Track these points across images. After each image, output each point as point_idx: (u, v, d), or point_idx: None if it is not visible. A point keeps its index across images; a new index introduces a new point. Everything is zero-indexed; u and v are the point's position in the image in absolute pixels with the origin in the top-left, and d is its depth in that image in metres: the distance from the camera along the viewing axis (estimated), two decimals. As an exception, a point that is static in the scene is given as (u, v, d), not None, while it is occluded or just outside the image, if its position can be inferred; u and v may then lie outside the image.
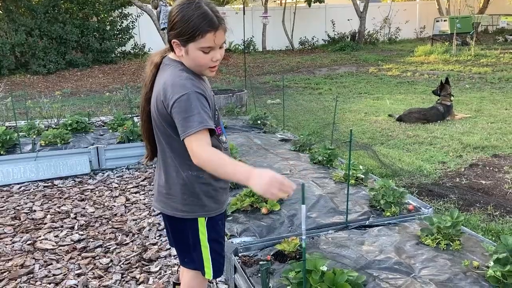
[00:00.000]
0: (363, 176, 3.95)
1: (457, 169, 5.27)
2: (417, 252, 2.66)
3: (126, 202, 4.50)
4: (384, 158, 5.52)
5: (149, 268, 3.23)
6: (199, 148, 1.69)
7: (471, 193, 4.48)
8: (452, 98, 7.85)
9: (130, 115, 6.20)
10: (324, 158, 4.50)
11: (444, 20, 19.56)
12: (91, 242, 3.65)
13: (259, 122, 6.60)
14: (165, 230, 2.30)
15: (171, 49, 1.85)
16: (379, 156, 5.37)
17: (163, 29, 7.15)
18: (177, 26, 1.74)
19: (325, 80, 13.42)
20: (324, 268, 2.27)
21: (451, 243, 2.75)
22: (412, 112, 7.78)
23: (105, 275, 3.18)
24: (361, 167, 4.06)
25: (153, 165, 5.24)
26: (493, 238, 3.33)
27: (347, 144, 5.89)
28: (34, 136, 5.85)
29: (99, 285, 3.05)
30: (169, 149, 1.88)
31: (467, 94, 10.22)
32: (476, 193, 4.49)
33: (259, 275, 2.57)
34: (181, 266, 2.36)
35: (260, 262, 2.45)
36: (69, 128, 6.09)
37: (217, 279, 3.03)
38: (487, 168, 5.28)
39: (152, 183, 4.75)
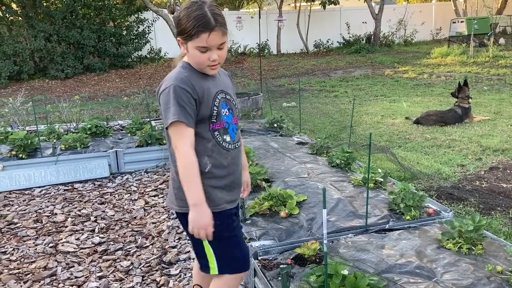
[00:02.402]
0: (382, 180, 3.94)
1: (477, 172, 5.20)
2: (438, 256, 2.64)
3: (145, 205, 4.54)
4: (402, 161, 5.49)
5: (169, 271, 3.26)
6: (178, 141, 1.81)
7: (491, 197, 4.43)
8: (470, 100, 7.77)
9: (148, 119, 6.26)
10: (342, 162, 4.49)
11: (461, 21, 19.35)
12: (112, 245, 3.69)
13: (275, 125, 6.61)
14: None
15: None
16: (398, 158, 5.33)
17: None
18: (179, 24, 1.85)
19: (341, 82, 13.38)
20: (345, 272, 2.27)
21: (473, 248, 2.72)
22: (429, 114, 7.71)
23: (126, 277, 3.21)
24: (379, 170, 4.04)
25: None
26: (514, 242, 3.29)
27: (365, 147, 5.87)
28: (54, 140, 5.95)
29: (120, 287, 3.08)
30: (168, 143, 1.94)
31: (486, 96, 10.10)
32: (497, 197, 4.43)
33: (279, 278, 2.58)
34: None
35: (281, 266, 2.45)
36: (88, 132, 6.18)
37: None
38: (508, 171, 5.21)
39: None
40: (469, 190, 4.61)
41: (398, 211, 3.38)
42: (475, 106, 8.53)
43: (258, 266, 2.78)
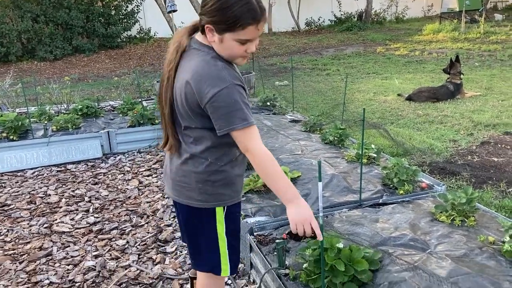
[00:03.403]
0: (375, 155, 3.95)
1: (469, 147, 5.24)
2: (432, 229, 2.67)
3: (139, 185, 4.54)
4: (395, 137, 5.51)
5: (165, 248, 3.28)
6: (252, 142, 1.67)
7: (483, 171, 4.48)
8: (462, 76, 7.78)
9: (140, 99, 6.21)
10: (335, 138, 4.50)
11: (453, -2, 19.24)
12: (107, 224, 3.70)
13: (268, 103, 6.59)
14: (179, 226, 2.17)
15: (202, 31, 1.73)
16: (391, 134, 5.35)
17: (169, 12, 7.08)
18: (214, 12, 1.63)
19: (333, 60, 13.32)
20: (340, 245, 2.29)
21: (465, 220, 2.75)
22: (421, 91, 7.72)
23: (122, 256, 3.23)
24: (373, 146, 4.05)
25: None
26: (506, 215, 3.33)
27: (358, 124, 5.89)
28: (45, 122, 5.89)
29: (117, 265, 3.10)
30: (189, 137, 1.80)
31: (477, 72, 10.11)
32: (488, 171, 4.48)
33: (275, 253, 2.61)
34: None
35: (276, 241, 2.47)
36: (79, 113, 6.13)
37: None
38: (499, 145, 5.25)
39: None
40: (461, 165, 4.66)
41: (391, 185, 3.41)
42: (467, 82, 8.55)
43: (254, 241, 2.80)
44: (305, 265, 2.35)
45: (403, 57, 13.02)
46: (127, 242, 3.41)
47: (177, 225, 3.57)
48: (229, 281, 2.81)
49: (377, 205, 3.18)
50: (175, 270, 3.02)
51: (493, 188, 4.04)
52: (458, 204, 2.77)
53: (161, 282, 2.91)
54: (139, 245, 3.37)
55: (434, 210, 2.89)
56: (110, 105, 7.31)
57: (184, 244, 3.28)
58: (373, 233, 2.68)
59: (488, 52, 12.73)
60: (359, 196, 3.19)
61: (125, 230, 3.60)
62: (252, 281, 2.83)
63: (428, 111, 6.98)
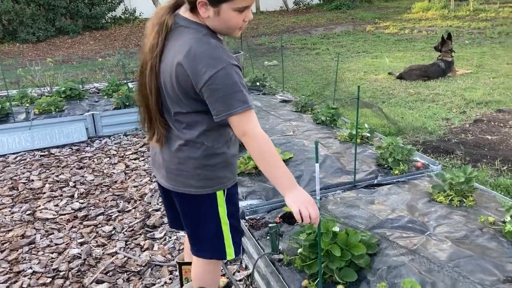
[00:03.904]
0: (369, 135, 3.85)
1: (462, 125, 5.17)
2: (430, 210, 2.58)
3: (126, 169, 4.40)
4: (389, 115, 5.41)
5: (153, 234, 3.16)
6: (250, 125, 1.56)
7: (477, 149, 4.40)
8: (453, 54, 7.68)
9: (125, 81, 6.02)
10: (328, 118, 4.38)
11: (442, -25, 19.02)
12: (92, 210, 3.56)
13: (258, 83, 6.44)
14: (167, 212, 2.09)
15: (192, 9, 1.59)
16: (384, 112, 5.26)
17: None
18: None
19: (322, 40, 13.13)
20: (336, 229, 2.19)
21: (464, 200, 2.67)
22: (412, 69, 7.62)
23: (108, 243, 3.10)
24: (366, 125, 3.95)
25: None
26: (502, 193, 3.26)
27: (350, 103, 5.78)
28: (27, 105, 5.69)
29: (103, 253, 2.98)
30: (181, 123, 1.68)
31: (467, 49, 10.02)
32: (483, 149, 4.40)
33: (268, 237, 2.50)
34: (186, 246, 2.26)
35: (269, 225, 2.37)
36: (63, 96, 5.92)
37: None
38: (492, 123, 5.18)
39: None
40: (455, 143, 4.58)
41: (386, 166, 3.31)
42: (457, 60, 8.46)
43: (246, 226, 2.69)
44: (299, 250, 2.25)
45: (392, 36, 12.88)
46: (114, 228, 3.28)
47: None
48: (220, 267, 2.70)
49: (372, 186, 3.08)
50: (164, 256, 2.91)
51: (488, 166, 3.97)
52: (456, 183, 2.68)
53: (149, 269, 2.79)
54: (126, 231, 3.25)
55: (431, 190, 2.80)
56: (95, 87, 7.10)
57: (173, 229, 3.17)
58: (369, 215, 2.58)
59: (478, 29, 12.64)
60: (353, 177, 3.09)
61: (112, 215, 3.47)
62: (244, 266, 2.73)
63: (419, 90, 6.89)
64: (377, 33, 13.56)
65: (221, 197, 1.79)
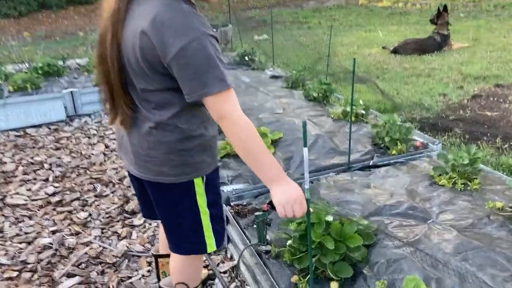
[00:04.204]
0: (364, 112, 3.61)
1: (460, 101, 4.94)
2: (432, 194, 2.36)
3: (106, 150, 4.13)
4: (384, 91, 5.17)
5: (132, 221, 2.93)
6: (230, 108, 1.34)
7: (476, 126, 4.18)
8: (449, 27, 7.42)
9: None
10: (320, 94, 4.12)
11: None
12: (67, 195, 3.31)
13: (246, 58, 6.14)
14: (139, 201, 1.84)
15: None
16: (380, 87, 5.01)
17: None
18: None
19: (314, 13, 12.77)
20: (330, 219, 1.96)
21: (468, 183, 2.45)
22: (407, 43, 7.35)
23: (83, 231, 2.87)
24: (361, 102, 3.70)
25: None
26: (505, 173, 3.06)
27: (344, 78, 5.51)
28: (1, 82, 5.35)
29: (77, 242, 2.74)
30: (149, 102, 1.43)
31: (463, 23, 9.75)
32: (482, 126, 4.19)
33: (255, 226, 2.28)
34: (161, 236, 2.04)
35: (256, 213, 2.13)
36: (40, 72, 5.59)
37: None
38: (491, 99, 4.96)
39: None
40: (453, 120, 4.36)
41: (382, 145, 3.08)
42: (453, 33, 8.18)
43: (231, 213, 2.46)
44: (289, 242, 2.02)
45: (386, 9, 12.55)
46: (90, 214, 3.04)
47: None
48: (203, 257, 2.48)
49: (367, 167, 2.85)
50: (143, 245, 2.68)
51: (488, 144, 3.76)
52: (460, 165, 2.46)
53: (126, 260, 2.57)
54: (103, 217, 3.01)
55: (432, 172, 2.58)
56: (77, 63, 6.75)
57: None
58: (365, 201, 2.35)
59: (473, 2, 12.34)
60: (347, 158, 2.86)
61: (88, 201, 3.23)
62: (229, 256, 2.51)
63: (414, 64, 6.64)
64: (370, 6, 13.21)
65: (199, 185, 1.56)
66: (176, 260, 1.79)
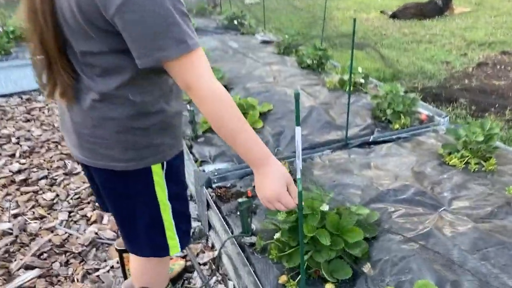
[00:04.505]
0: (363, 81, 3.27)
1: (464, 69, 4.61)
2: (442, 177, 2.06)
3: (80, 122, 3.78)
4: (380, 60, 4.81)
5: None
6: (198, 76, 1.03)
7: (483, 96, 3.87)
8: (452, -11, 7.01)
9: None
10: (314, 61, 3.76)
11: None
12: (34, 172, 2.99)
13: (235, 22, 5.72)
14: (92, 191, 1.50)
15: None
16: (380, 52, 4.66)
17: None
18: None
19: (308, -24, 12.19)
20: (325, 208, 1.66)
21: (483, 162, 2.15)
22: (407, 7, 6.95)
23: (48, 214, 2.56)
24: (360, 69, 3.35)
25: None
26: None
27: (341, 44, 5.13)
28: (-32, 47, 4.93)
29: (40, 227, 2.44)
30: (92, 67, 1.10)
31: (465, -14, 9.29)
32: (489, 96, 3.87)
33: (238, 213, 1.97)
34: None
35: (239, 200, 1.82)
36: (11, 37, 5.15)
37: (187, 216, 2.44)
38: (498, 67, 4.63)
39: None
40: (458, 90, 4.03)
41: (384, 118, 2.76)
42: (454, -3, 7.78)
43: (212, 197, 2.16)
44: (277, 235, 1.72)
45: (384, -28, 11.99)
46: (57, 195, 2.73)
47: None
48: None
49: (367, 144, 2.54)
50: (114, 232, 2.38)
51: (497, 116, 3.45)
52: (473, 142, 2.15)
53: (94, 249, 2.27)
54: (71, 199, 2.69)
55: (441, 150, 2.27)
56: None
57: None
58: (365, 184, 2.05)
59: (475, -35, 11.81)
60: (345, 134, 2.54)
61: (57, 179, 2.91)
62: (210, 245, 2.21)
63: (414, 30, 6.26)
64: (368, -31, 12.63)
65: (158, 173, 1.25)
66: (135, 261, 1.50)
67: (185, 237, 1.40)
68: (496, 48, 5.24)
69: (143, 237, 1.34)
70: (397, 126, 2.65)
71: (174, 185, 1.29)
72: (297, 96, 1.07)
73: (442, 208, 1.82)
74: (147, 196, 1.26)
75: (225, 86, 3.41)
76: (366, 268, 1.60)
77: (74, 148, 1.26)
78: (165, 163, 1.24)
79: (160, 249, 1.36)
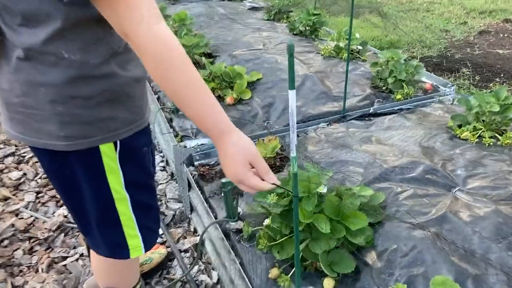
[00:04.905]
0: (361, 47, 3.00)
1: (465, 38, 4.35)
2: (454, 152, 1.82)
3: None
4: (377, 27, 4.53)
5: (75, 183, 2.36)
6: (138, 19, 0.78)
7: (487, 66, 3.62)
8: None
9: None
10: (308, 28, 3.47)
11: None
12: (0, 149, 2.71)
13: (223, -12, 5.36)
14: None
15: None
16: (382, 13, 4.38)
17: None
18: None
19: None
20: (323, 190, 1.41)
21: (498, 136, 1.91)
22: (404, -26, 6.59)
23: (13, 195, 2.30)
24: (357, 35, 3.08)
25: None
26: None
27: (336, 11, 4.82)
28: None
29: (3, 211, 2.18)
30: (13, 11, 0.82)
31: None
32: (494, 66, 3.63)
33: (222, 195, 1.73)
34: None
35: (223, 180, 1.58)
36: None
37: (168, 197, 2.19)
38: (501, 35, 4.37)
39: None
40: (460, 59, 3.78)
41: (384, 88, 2.51)
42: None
43: (193, 177, 1.91)
44: (267, 221, 1.49)
45: None
46: (24, 174, 2.46)
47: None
48: (160, 231, 1.95)
49: (367, 116, 2.29)
50: (86, 215, 2.13)
51: (503, 87, 3.22)
52: (487, 113, 1.91)
53: (62, 234, 2.02)
54: (40, 178, 2.43)
55: (451, 122, 2.03)
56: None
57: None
58: (367, 161, 1.81)
59: None
60: (342, 105, 2.29)
61: (25, 156, 2.64)
62: (192, 230, 1.98)
63: (412, -3, 5.96)
64: None
65: (109, 155, 0.98)
66: (97, 258, 1.25)
67: (150, 236, 1.15)
68: (497, 16, 4.98)
69: (98, 234, 1.09)
70: (399, 96, 2.40)
71: (133, 171, 1.03)
72: (291, 49, 0.81)
73: (457, 188, 1.59)
74: (95, 184, 1.00)
75: (210, 54, 3.13)
76: (371, 259, 1.37)
77: (4, 122, 0.99)
78: (118, 142, 0.98)
79: (118, 249, 1.11)
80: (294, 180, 0.93)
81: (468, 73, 3.47)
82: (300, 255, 1.36)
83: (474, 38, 4.32)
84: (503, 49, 3.96)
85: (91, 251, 1.26)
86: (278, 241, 1.41)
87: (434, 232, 1.39)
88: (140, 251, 1.12)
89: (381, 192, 1.53)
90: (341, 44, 2.99)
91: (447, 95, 2.48)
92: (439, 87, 2.57)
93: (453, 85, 2.54)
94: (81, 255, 1.91)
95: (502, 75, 3.42)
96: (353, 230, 1.36)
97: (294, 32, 3.54)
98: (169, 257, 1.85)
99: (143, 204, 1.09)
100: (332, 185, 1.58)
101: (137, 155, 1.04)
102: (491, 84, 3.26)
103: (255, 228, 1.54)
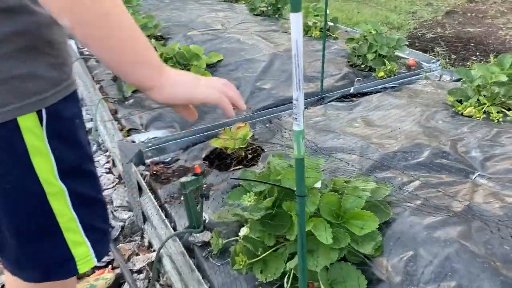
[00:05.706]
0: (331, 24, 2.68)
1: (433, 18, 4.14)
2: (462, 130, 1.52)
3: None
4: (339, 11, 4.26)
5: None
6: None
7: (461, 45, 3.40)
8: None
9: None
10: (270, 7, 3.13)
11: None
12: None
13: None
14: None
15: None
16: None
17: None
18: None
19: None
20: (317, 185, 1.07)
21: (506, 111, 1.63)
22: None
23: None
24: (328, 11, 2.76)
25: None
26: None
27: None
28: None
29: None
30: None
31: None
32: (468, 44, 3.41)
33: (182, 199, 1.35)
34: None
35: (182, 179, 1.20)
36: None
37: (115, 204, 1.79)
38: (468, 14, 4.20)
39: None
40: (432, 39, 3.55)
41: (364, 66, 2.20)
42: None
43: (145, 177, 1.52)
44: (243, 231, 1.13)
45: None
46: None
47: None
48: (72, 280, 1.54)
49: (348, 97, 1.97)
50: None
51: (481, 63, 2.99)
52: (490, 85, 1.62)
53: None
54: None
55: (450, 98, 1.73)
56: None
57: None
58: (359, 146, 1.47)
59: None
60: (320, 85, 1.95)
61: None
62: (147, 245, 1.59)
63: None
64: None
65: (33, 130, 0.66)
66: (16, 286, 0.85)
67: (101, 240, 0.81)
68: (461, -1, 4.82)
69: (20, 250, 0.72)
70: (381, 73, 2.10)
71: (67, 151, 0.70)
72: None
73: (476, 174, 1.28)
74: (15, 173, 0.67)
75: (161, 37, 2.73)
76: (383, 272, 1.03)
77: None
78: (44, 112, 0.64)
79: (57, 266, 0.76)
80: (298, 170, 0.57)
81: (443, 52, 3.24)
82: (291, 273, 1.01)
83: (442, 18, 4.12)
84: (474, 28, 3.77)
85: (6, 275, 0.86)
86: (260, 257, 1.05)
87: (460, 232, 1.07)
88: (91, 262, 0.77)
89: (386, 183, 1.20)
90: (309, 23, 2.66)
91: (433, 70, 2.20)
92: (422, 63, 2.29)
93: (438, 60, 2.27)
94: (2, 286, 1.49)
95: (477, 53, 3.20)
96: (359, 235, 1.02)
97: (255, 13, 3.19)
98: (118, 282, 1.45)
99: (86, 197, 0.75)
100: (324, 178, 1.24)
101: (70, 130, 0.70)
102: (468, 63, 3.03)
103: (228, 240, 1.18)
